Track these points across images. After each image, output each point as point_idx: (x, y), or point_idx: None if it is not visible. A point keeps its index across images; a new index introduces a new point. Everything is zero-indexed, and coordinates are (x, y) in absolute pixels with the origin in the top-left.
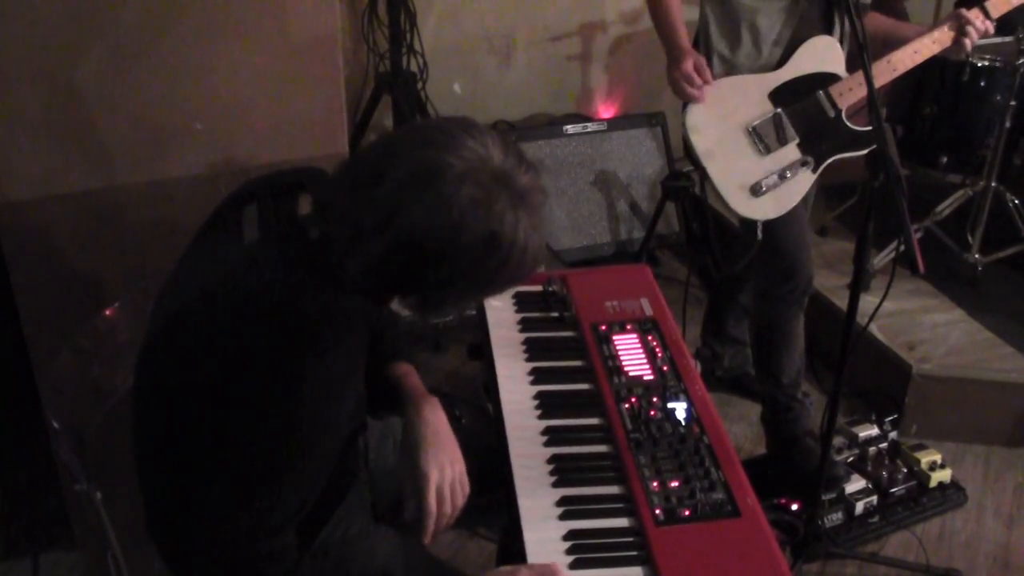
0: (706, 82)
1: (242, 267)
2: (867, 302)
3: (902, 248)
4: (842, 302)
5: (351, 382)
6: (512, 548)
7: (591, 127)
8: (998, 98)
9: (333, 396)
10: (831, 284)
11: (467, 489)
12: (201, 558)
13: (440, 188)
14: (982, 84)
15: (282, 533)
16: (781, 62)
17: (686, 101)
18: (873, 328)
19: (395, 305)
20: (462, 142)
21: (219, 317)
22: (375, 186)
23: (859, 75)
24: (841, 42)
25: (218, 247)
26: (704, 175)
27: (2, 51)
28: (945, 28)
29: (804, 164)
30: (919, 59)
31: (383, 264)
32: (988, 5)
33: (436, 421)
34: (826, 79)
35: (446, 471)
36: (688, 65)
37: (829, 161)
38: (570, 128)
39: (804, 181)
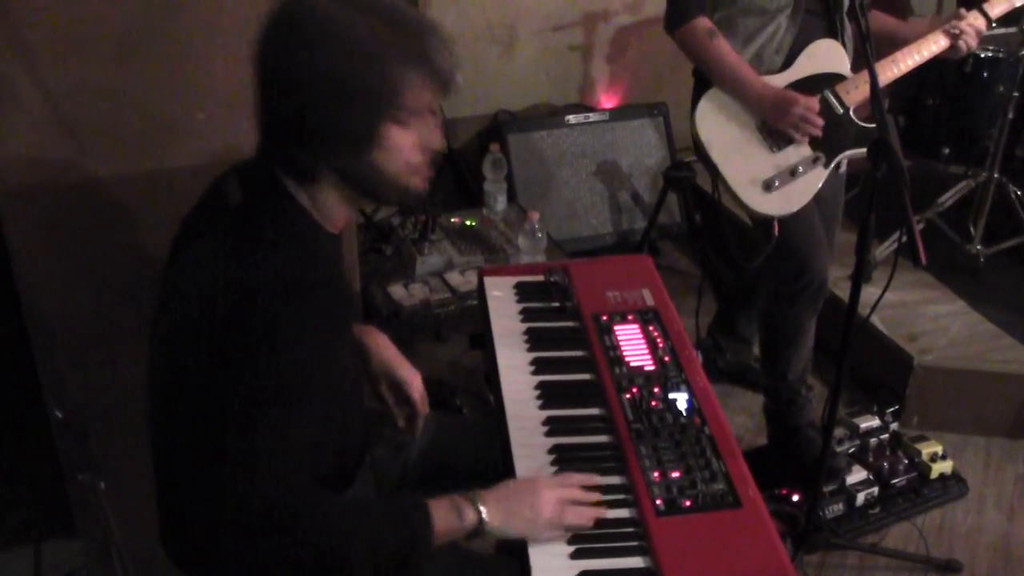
0: (817, 122)
1: (227, 228)
2: (868, 293)
3: (904, 239)
4: (844, 293)
5: (332, 339)
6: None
7: (593, 117)
8: (1001, 89)
9: (314, 344)
10: (833, 275)
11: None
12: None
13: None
14: (985, 75)
15: (282, 491)
16: (783, 67)
17: (809, 136)
18: (875, 319)
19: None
20: None
21: (211, 279)
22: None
23: (865, 73)
24: (844, 44)
25: (205, 220)
26: (716, 173)
27: (5, 43)
28: (941, 32)
29: (815, 160)
30: (920, 61)
31: (265, 120)
32: (987, 6)
33: (388, 342)
34: (832, 79)
35: (418, 377)
36: (802, 104)
37: (840, 158)
38: (572, 118)
39: (816, 177)
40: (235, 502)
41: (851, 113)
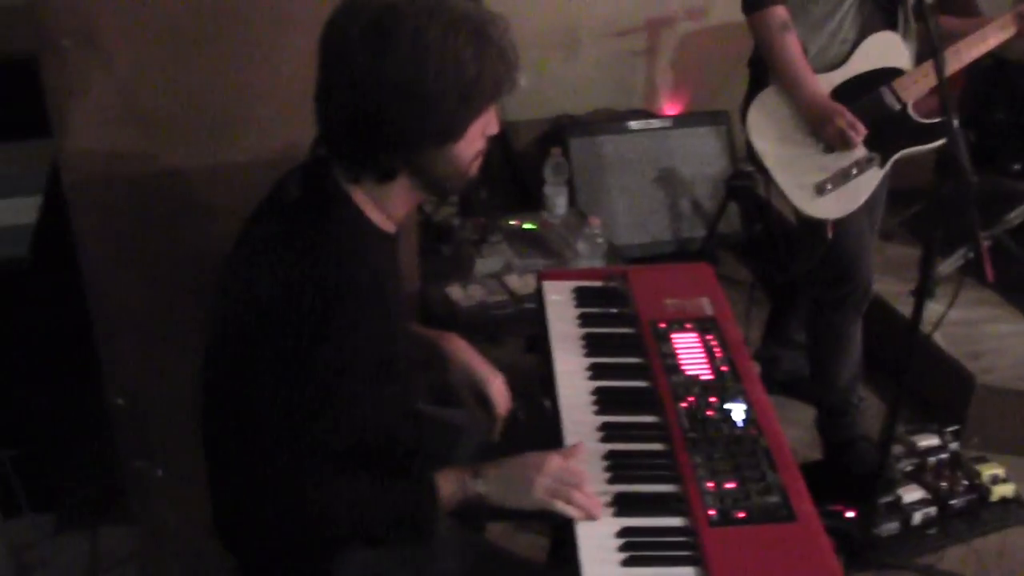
0: (860, 132)
1: (283, 224)
2: (932, 310)
3: (970, 255)
4: (906, 309)
5: (378, 338)
6: (564, 542)
7: (655, 124)
8: None
9: (359, 342)
10: (895, 290)
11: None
12: (258, 531)
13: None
14: None
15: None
16: (847, 60)
17: (847, 149)
18: (937, 336)
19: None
20: None
21: (265, 273)
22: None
23: (924, 67)
24: (905, 38)
25: (263, 217)
26: (767, 175)
27: (74, 35)
28: (1010, 16)
29: (870, 161)
30: (985, 48)
31: (345, 122)
32: None
33: (468, 346)
34: (890, 74)
35: (499, 377)
36: (846, 118)
37: (897, 157)
38: (634, 124)
39: (871, 178)
40: (275, 488)
41: (909, 110)
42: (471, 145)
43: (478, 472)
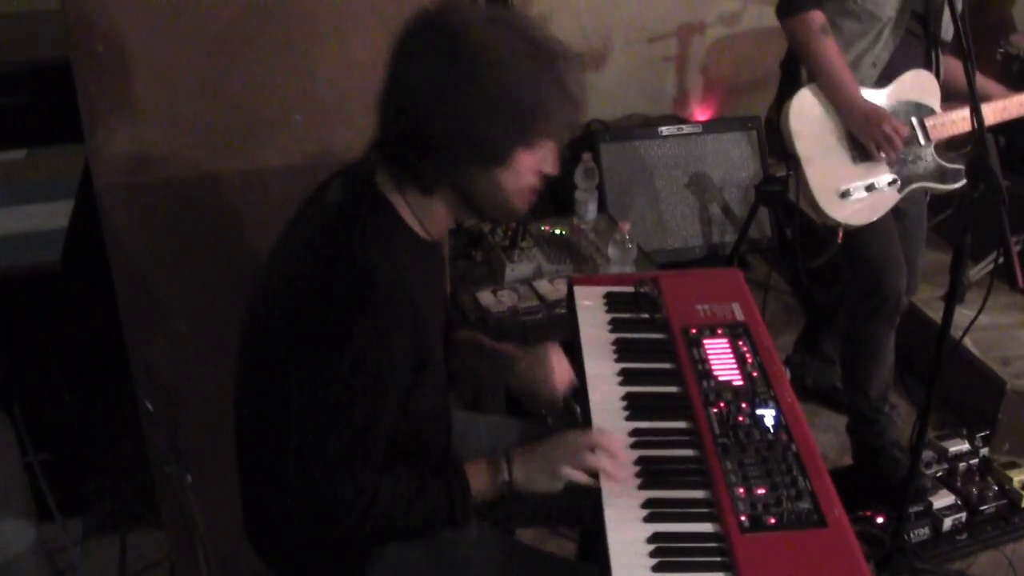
0: (901, 135)
1: (321, 223)
2: (962, 315)
3: (1000, 260)
4: (936, 314)
5: (413, 344)
6: (594, 547)
7: (686, 129)
8: None
9: (392, 340)
10: (925, 296)
11: None
12: (290, 535)
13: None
14: None
15: (355, 484)
16: (877, 83)
17: (886, 159)
18: (967, 341)
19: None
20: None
21: (299, 270)
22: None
23: (952, 114)
24: (938, 76)
25: (304, 216)
26: (797, 168)
27: (107, 40)
28: None
29: (892, 183)
30: (1005, 116)
31: (397, 129)
32: None
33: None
34: (922, 110)
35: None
36: (893, 124)
37: (912, 187)
38: (665, 130)
39: (888, 198)
40: (305, 496)
41: (932, 148)
42: (519, 177)
43: (505, 457)
